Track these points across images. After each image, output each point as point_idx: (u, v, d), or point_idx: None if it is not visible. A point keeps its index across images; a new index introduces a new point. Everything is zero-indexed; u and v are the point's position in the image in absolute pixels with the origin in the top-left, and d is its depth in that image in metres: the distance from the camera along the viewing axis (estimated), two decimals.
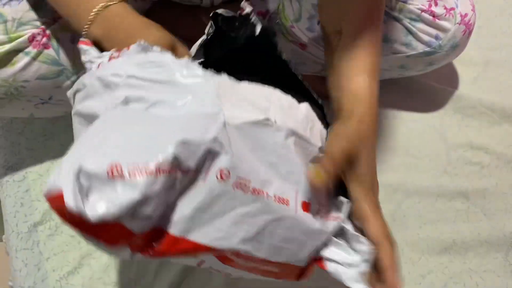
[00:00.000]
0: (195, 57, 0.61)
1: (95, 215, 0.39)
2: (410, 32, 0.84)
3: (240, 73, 0.57)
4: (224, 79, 0.54)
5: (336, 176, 0.56)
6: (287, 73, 0.67)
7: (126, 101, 0.49)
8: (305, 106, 0.59)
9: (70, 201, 0.39)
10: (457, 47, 0.87)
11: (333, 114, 0.64)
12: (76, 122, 0.54)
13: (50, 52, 0.75)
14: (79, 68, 0.78)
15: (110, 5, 0.58)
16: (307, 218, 0.53)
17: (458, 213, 0.91)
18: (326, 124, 0.65)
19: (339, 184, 0.58)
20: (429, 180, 0.94)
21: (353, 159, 0.56)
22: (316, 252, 0.56)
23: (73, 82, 0.79)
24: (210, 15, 0.62)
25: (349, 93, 0.61)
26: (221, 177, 0.45)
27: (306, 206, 0.53)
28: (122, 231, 0.42)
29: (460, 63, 1.06)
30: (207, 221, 0.45)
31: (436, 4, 0.83)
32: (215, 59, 0.61)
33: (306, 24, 0.87)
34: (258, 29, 0.62)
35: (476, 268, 0.86)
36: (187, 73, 0.51)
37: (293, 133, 0.54)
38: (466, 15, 0.84)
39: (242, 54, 0.63)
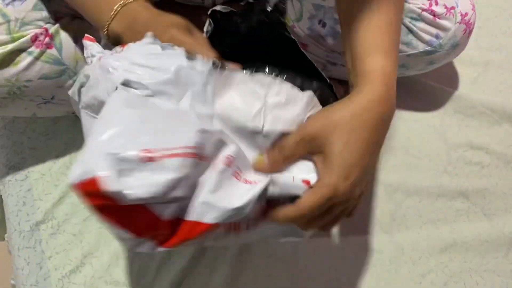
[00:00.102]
0: None
1: (133, 195, 0.42)
2: (410, 31, 0.85)
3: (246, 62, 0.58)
4: (225, 74, 0.54)
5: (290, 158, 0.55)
6: (295, 53, 0.67)
7: (126, 84, 0.51)
8: (307, 94, 0.57)
9: (109, 184, 0.42)
10: (457, 46, 0.88)
11: None
12: (84, 115, 0.55)
13: (52, 52, 0.75)
14: (81, 67, 0.78)
15: (128, 3, 0.60)
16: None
17: (458, 213, 0.91)
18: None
19: None
20: (429, 180, 0.94)
21: (318, 144, 0.54)
22: None
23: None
24: (208, 13, 0.62)
25: (356, 74, 0.59)
26: (227, 164, 0.49)
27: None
28: (150, 218, 0.45)
29: (460, 63, 1.06)
30: (216, 202, 0.48)
31: (436, 3, 0.84)
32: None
33: (307, 23, 0.87)
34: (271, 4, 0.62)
35: (476, 268, 0.87)
36: (186, 65, 0.52)
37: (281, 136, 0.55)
38: (466, 14, 0.85)
39: (245, 46, 0.63)
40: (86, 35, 0.60)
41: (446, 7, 0.84)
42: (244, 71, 0.56)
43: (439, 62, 0.91)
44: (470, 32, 0.88)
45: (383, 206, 0.91)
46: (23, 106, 0.78)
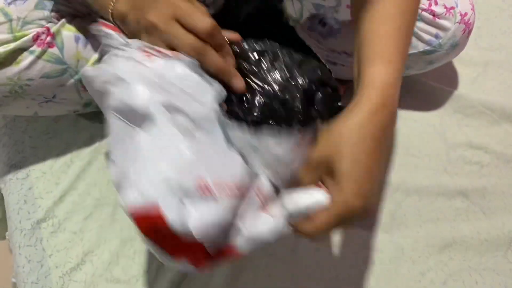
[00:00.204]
0: None
1: (197, 233, 0.45)
2: None
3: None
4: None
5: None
6: (294, 39, 0.69)
7: (169, 109, 0.51)
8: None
9: (170, 216, 0.43)
10: (457, 46, 0.88)
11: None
12: (113, 118, 0.54)
13: (54, 51, 0.76)
14: (82, 66, 0.78)
15: None
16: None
17: (458, 212, 0.92)
18: (334, 89, 0.64)
19: None
20: (429, 179, 0.94)
21: (326, 166, 0.55)
22: None
23: (77, 81, 0.80)
24: None
25: (359, 82, 0.59)
26: (260, 197, 0.53)
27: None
28: (193, 244, 0.46)
29: (460, 63, 1.07)
30: (248, 234, 0.52)
31: (436, 3, 0.84)
32: None
33: (307, 23, 0.88)
34: None
35: (476, 266, 0.87)
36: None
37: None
38: (466, 14, 0.85)
39: (243, 32, 0.63)
40: (101, 20, 0.60)
41: (445, 7, 0.84)
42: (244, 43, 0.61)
43: (438, 62, 0.92)
44: (470, 32, 0.88)
45: (383, 205, 0.91)
46: (25, 105, 0.79)
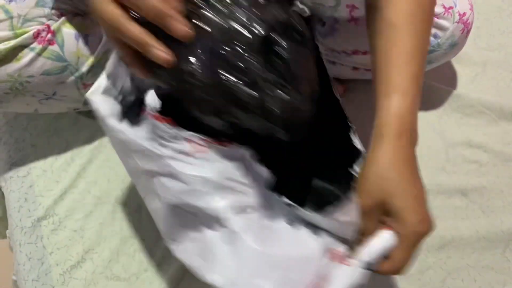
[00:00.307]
0: None
1: None
2: None
3: None
4: None
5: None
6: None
7: (237, 210, 0.55)
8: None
9: None
10: (455, 45, 0.88)
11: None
12: (173, 212, 0.58)
13: (54, 48, 0.76)
14: (83, 64, 0.79)
15: None
16: None
17: (457, 210, 0.92)
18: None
19: None
20: (428, 178, 0.94)
21: (379, 209, 0.56)
22: None
23: (77, 78, 0.80)
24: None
25: (376, 118, 0.60)
26: (334, 258, 0.58)
27: None
28: None
29: (459, 63, 1.07)
30: None
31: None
32: None
33: None
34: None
35: (475, 264, 0.87)
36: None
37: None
38: (464, 14, 0.85)
39: None
40: (149, 111, 0.55)
41: (444, 7, 0.85)
42: None
43: (437, 62, 0.92)
44: (468, 31, 0.88)
45: None
46: (25, 102, 0.79)
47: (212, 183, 0.54)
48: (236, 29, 0.49)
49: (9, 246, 0.91)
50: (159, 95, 0.55)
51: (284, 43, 0.52)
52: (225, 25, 0.49)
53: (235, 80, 0.48)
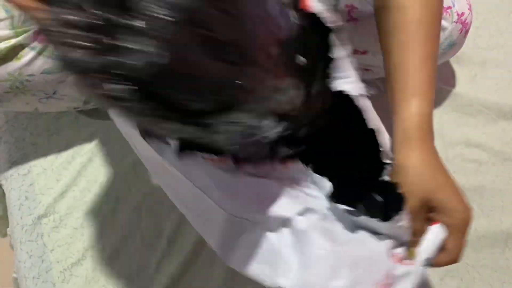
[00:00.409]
0: None
1: None
2: None
3: None
4: None
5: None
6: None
7: (304, 212, 0.56)
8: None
9: None
10: (454, 45, 0.88)
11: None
12: (231, 222, 0.57)
13: None
14: None
15: None
16: None
17: None
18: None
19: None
20: None
21: (425, 206, 0.58)
22: None
23: None
24: None
25: (398, 123, 0.61)
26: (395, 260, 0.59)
27: None
28: None
29: (458, 63, 1.07)
30: None
31: None
32: None
33: None
34: None
35: (474, 263, 0.87)
36: None
37: None
38: (462, 14, 0.85)
39: None
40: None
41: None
42: None
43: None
44: (467, 31, 0.88)
45: None
46: (25, 101, 0.79)
47: (286, 191, 0.56)
48: None
49: (9, 244, 0.92)
50: None
51: None
52: None
53: None
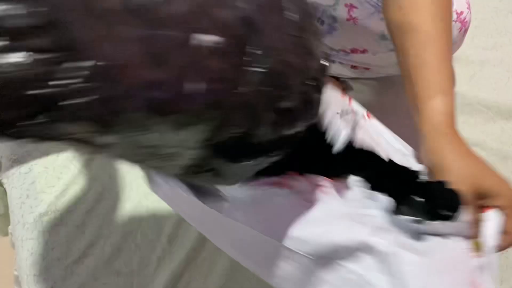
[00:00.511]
0: None
1: None
2: None
3: None
4: None
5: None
6: None
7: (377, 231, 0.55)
8: None
9: None
10: (453, 44, 0.89)
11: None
12: (306, 266, 0.56)
13: None
14: None
15: None
16: None
17: None
18: None
19: None
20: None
21: (476, 193, 0.58)
22: None
23: None
24: None
25: (426, 120, 0.62)
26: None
27: None
28: None
29: (457, 62, 1.08)
30: None
31: None
32: None
33: None
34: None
35: None
36: None
37: None
38: (462, 13, 0.86)
39: None
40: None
41: None
42: None
43: None
44: (466, 30, 0.89)
45: None
46: None
47: (347, 215, 0.54)
48: None
49: (10, 242, 0.92)
50: None
51: None
52: None
53: None
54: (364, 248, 0.53)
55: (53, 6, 0.31)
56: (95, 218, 0.88)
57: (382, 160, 0.62)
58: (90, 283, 0.83)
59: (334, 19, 0.88)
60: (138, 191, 0.90)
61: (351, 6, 0.83)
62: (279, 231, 0.54)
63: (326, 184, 0.56)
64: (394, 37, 0.67)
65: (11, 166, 0.92)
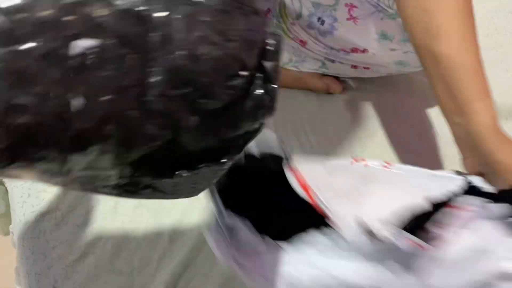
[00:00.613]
0: None
1: None
2: None
3: None
4: None
5: None
6: None
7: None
8: None
9: None
10: None
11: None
12: None
13: None
14: None
15: None
16: None
17: None
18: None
19: None
20: None
21: None
22: None
23: None
24: None
25: (479, 123, 0.63)
26: None
27: None
28: None
29: None
30: None
31: None
32: None
33: (307, 21, 0.89)
34: None
35: None
36: None
37: None
38: None
39: None
40: None
41: None
42: None
43: None
44: None
45: None
46: None
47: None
48: None
49: (12, 241, 0.93)
50: None
51: None
52: None
53: None
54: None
55: None
56: (96, 217, 0.88)
57: None
58: (91, 282, 0.83)
59: (334, 18, 0.88)
60: None
61: (351, 6, 0.84)
62: None
63: None
64: (420, 39, 0.67)
65: None
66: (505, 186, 0.59)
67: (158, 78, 0.34)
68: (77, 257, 0.85)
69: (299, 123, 1.00)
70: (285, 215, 0.54)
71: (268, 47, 0.40)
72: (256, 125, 0.41)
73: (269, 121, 0.42)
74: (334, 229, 0.51)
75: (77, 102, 0.32)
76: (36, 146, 0.33)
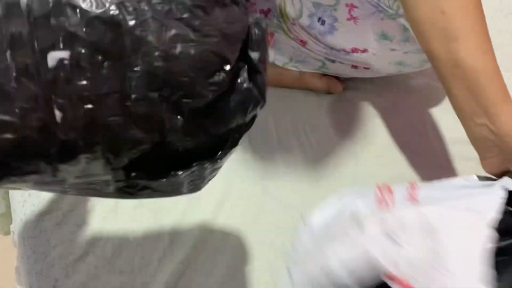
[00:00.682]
0: None
1: None
2: (407, 29, 0.87)
3: None
4: None
5: None
6: None
7: None
8: None
9: None
10: None
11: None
12: None
13: None
14: None
15: None
16: None
17: None
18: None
19: None
20: (426, 175, 0.96)
21: None
22: None
23: None
24: None
25: (505, 124, 0.65)
26: None
27: None
28: None
29: None
30: None
31: None
32: None
33: (307, 21, 0.89)
34: None
35: None
36: None
37: None
38: None
39: None
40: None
41: None
42: None
43: None
44: None
45: None
46: None
47: None
48: None
49: (12, 240, 0.93)
50: None
51: None
52: None
53: None
54: None
55: None
56: (96, 217, 0.88)
57: None
58: (91, 282, 0.83)
59: (335, 19, 0.88)
60: None
61: (351, 6, 0.84)
62: None
63: None
64: (436, 42, 0.67)
65: None
66: None
67: (137, 82, 0.34)
68: (78, 257, 0.85)
69: (299, 123, 1.00)
70: None
71: (253, 37, 0.40)
72: (247, 118, 0.41)
73: (261, 112, 0.42)
74: None
75: (59, 114, 0.33)
76: (23, 161, 0.34)
